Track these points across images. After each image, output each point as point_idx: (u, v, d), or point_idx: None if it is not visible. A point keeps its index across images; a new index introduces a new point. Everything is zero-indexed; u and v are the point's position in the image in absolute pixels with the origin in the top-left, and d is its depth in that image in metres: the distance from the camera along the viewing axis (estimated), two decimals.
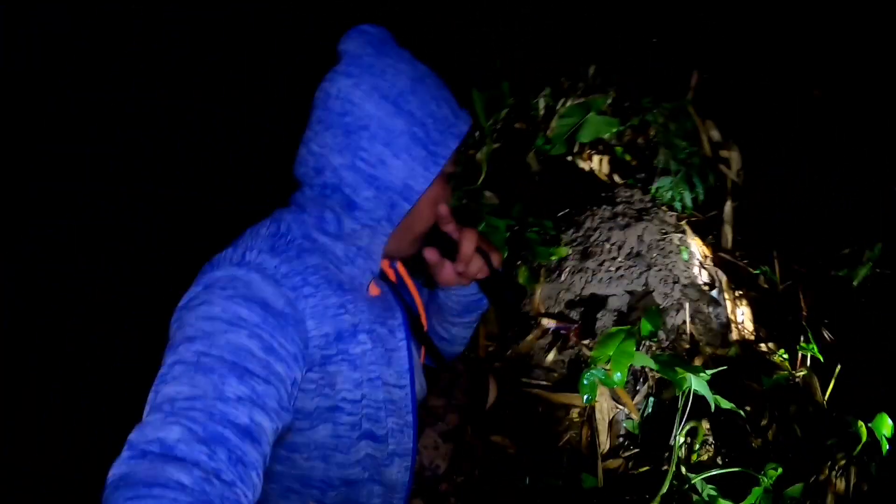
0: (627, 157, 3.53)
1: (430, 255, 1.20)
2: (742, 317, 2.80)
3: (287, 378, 0.93)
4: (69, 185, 4.01)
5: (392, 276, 1.30)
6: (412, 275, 1.36)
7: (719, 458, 2.45)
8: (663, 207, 3.09)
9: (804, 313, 2.64)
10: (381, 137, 1.01)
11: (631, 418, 2.73)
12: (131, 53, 4.23)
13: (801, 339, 2.52)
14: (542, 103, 3.76)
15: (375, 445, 1.15)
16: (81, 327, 3.62)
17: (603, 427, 2.73)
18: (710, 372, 2.42)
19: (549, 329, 3.00)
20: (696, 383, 2.39)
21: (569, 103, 3.43)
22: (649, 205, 3.05)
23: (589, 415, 2.78)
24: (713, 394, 2.40)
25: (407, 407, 1.19)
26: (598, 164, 3.66)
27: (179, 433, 0.76)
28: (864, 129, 2.81)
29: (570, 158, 3.64)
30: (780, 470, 2.21)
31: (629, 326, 2.71)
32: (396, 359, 1.16)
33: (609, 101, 3.41)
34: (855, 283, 2.53)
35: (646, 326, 2.81)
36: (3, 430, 3.24)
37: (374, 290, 1.18)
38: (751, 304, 2.79)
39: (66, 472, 3.09)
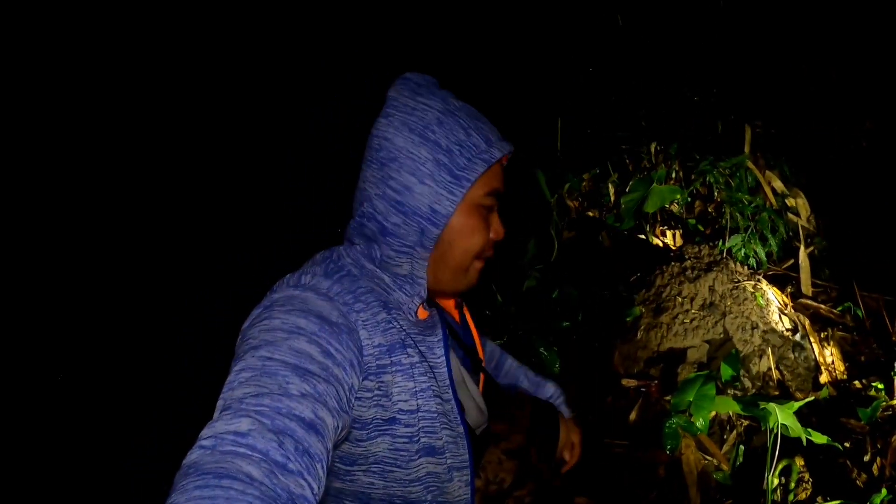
0: (700, 227, 3.56)
1: None
2: (831, 357, 2.65)
3: (344, 382, 1.00)
4: (70, 185, 4.15)
5: (457, 317, 1.39)
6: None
7: (819, 497, 2.25)
8: (736, 262, 3.06)
9: (895, 339, 2.48)
10: (407, 166, 1.11)
11: (721, 469, 2.58)
12: (131, 53, 4.43)
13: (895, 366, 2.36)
14: (611, 189, 3.91)
15: (435, 460, 1.17)
16: (82, 327, 3.71)
17: (691, 481, 2.58)
18: (797, 403, 2.30)
19: (629, 388, 2.95)
20: (783, 415, 2.28)
21: (634, 180, 3.56)
22: (718, 257, 3.04)
23: (676, 470, 2.64)
24: (805, 429, 2.27)
25: (457, 418, 1.21)
26: (671, 238, 3.70)
27: (250, 424, 0.83)
28: None
29: (642, 236, 3.70)
30: (884, 492, 2.01)
31: (708, 371, 2.64)
32: (439, 374, 1.20)
33: (673, 173, 3.52)
34: None
35: (726, 371, 2.72)
36: (3, 428, 3.30)
37: (423, 314, 1.23)
38: (838, 343, 2.65)
39: (67, 469, 3.13)
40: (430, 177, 1.11)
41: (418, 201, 1.11)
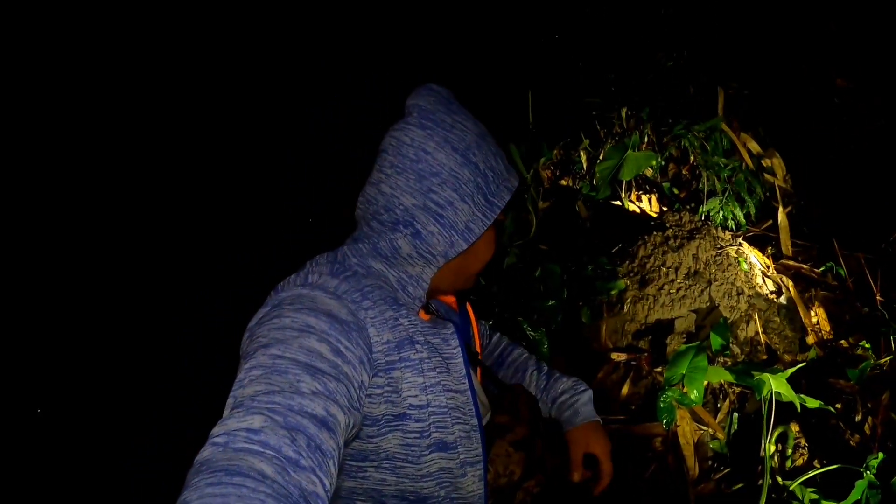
0: (675, 191, 3.54)
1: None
2: (816, 318, 2.67)
3: (354, 379, 1.00)
4: (70, 185, 4.09)
5: (456, 309, 1.42)
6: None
7: (815, 461, 2.29)
8: (718, 228, 3.06)
9: (878, 298, 2.51)
10: (450, 184, 1.14)
11: (717, 438, 2.60)
12: (131, 53, 4.35)
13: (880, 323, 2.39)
14: (583, 155, 3.87)
15: (447, 456, 1.18)
16: (82, 327, 3.67)
17: (689, 452, 2.61)
18: (789, 371, 2.32)
19: (619, 363, 2.95)
20: (776, 384, 2.29)
21: (607, 147, 3.52)
22: (699, 224, 3.03)
23: (672, 442, 2.67)
24: (797, 394, 2.29)
25: (471, 411, 1.23)
26: (647, 203, 3.68)
27: (262, 421, 0.82)
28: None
29: (618, 203, 3.68)
30: (881, 456, 2.05)
31: (698, 342, 2.64)
32: (453, 365, 1.22)
33: (646, 137, 3.48)
34: None
35: (716, 340, 2.73)
36: (3, 428, 3.28)
37: (424, 317, 1.26)
38: (823, 304, 2.68)
39: (67, 469, 3.10)
40: (471, 197, 1.16)
41: (458, 217, 1.16)
